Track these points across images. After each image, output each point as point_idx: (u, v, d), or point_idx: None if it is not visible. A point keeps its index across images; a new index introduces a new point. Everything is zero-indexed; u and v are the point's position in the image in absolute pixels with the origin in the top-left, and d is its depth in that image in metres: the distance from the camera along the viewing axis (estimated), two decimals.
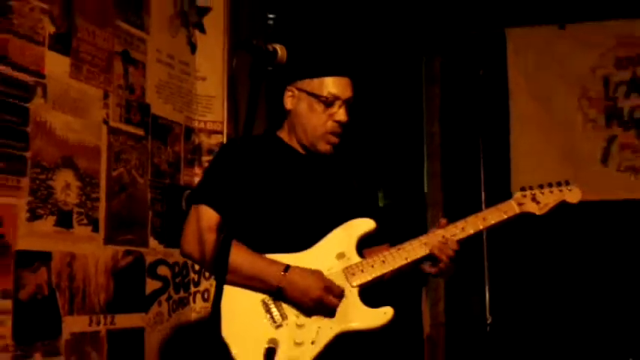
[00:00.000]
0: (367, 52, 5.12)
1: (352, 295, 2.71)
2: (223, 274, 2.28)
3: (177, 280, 4.07)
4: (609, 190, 5.21)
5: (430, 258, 2.78)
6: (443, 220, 2.86)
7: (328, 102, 2.85)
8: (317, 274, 2.69)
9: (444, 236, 2.78)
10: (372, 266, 2.75)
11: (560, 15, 5.45)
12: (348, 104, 2.88)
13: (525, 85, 5.53)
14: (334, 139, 2.88)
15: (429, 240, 2.79)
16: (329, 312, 2.67)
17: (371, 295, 2.74)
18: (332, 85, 2.86)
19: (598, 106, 5.45)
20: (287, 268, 2.69)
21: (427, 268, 2.81)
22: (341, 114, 2.85)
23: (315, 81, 2.87)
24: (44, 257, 3.25)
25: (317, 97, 2.85)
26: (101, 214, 3.58)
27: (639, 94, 5.42)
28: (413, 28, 5.57)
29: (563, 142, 5.45)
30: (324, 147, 2.88)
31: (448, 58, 5.79)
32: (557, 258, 5.41)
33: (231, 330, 2.57)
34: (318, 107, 2.86)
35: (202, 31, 4.32)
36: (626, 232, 5.32)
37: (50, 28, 3.32)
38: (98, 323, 3.53)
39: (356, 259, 2.77)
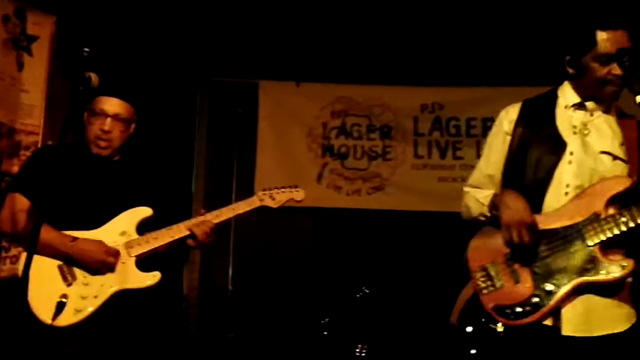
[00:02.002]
0: (157, 85, 5.04)
1: (130, 262, 2.70)
2: (34, 247, 2.21)
3: None
4: (321, 200, 5.42)
5: (192, 236, 2.80)
6: (203, 210, 2.91)
7: (97, 115, 2.81)
8: (99, 242, 2.68)
9: (203, 220, 2.81)
10: (147, 242, 2.76)
11: (297, 75, 5.62)
12: (117, 119, 2.84)
13: (269, 121, 5.65)
14: (103, 144, 2.84)
15: (191, 223, 2.81)
16: (110, 273, 2.63)
17: (147, 263, 2.73)
18: (102, 103, 2.83)
19: (317, 142, 5.65)
20: (75, 239, 2.66)
21: (190, 242, 2.83)
22: (105, 125, 2.81)
23: (94, 99, 2.84)
24: None
25: (91, 111, 2.81)
26: None
27: (345, 136, 5.67)
28: (195, 72, 5.53)
29: (293, 165, 5.60)
30: (96, 150, 2.86)
31: (218, 95, 5.77)
32: (285, 248, 5.53)
33: (34, 288, 2.48)
34: (92, 120, 2.83)
35: (30, 54, 4.08)
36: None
37: None
38: None
39: (135, 236, 2.76)
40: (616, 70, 2.38)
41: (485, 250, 2.48)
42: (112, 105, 2.83)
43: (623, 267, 2.28)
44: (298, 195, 3.01)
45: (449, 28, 5.16)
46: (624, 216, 2.30)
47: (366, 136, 5.65)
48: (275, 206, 2.96)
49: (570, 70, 2.48)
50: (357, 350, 4.87)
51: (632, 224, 2.28)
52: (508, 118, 2.57)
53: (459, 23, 5.11)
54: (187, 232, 2.79)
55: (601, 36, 2.37)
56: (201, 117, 5.73)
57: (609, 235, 2.31)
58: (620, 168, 2.41)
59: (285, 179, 5.39)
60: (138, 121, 2.95)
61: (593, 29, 2.39)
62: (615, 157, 2.42)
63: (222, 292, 5.58)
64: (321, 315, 5.03)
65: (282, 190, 3.00)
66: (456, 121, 5.60)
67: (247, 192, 5.29)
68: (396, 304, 5.14)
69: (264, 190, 2.98)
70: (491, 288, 2.41)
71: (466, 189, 2.65)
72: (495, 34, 4.97)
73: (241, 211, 2.90)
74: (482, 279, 2.43)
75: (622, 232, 2.30)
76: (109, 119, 2.82)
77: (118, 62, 4.45)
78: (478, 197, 2.54)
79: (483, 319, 2.50)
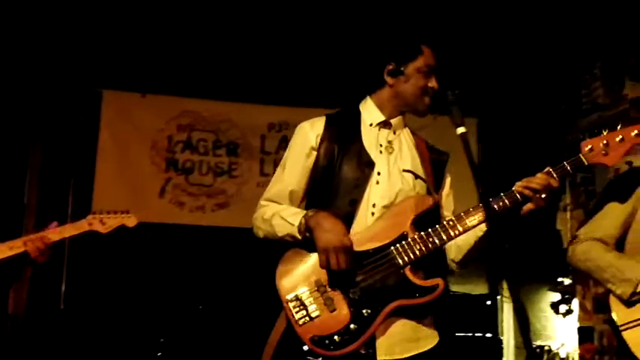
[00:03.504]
0: None
1: None
2: None
3: None
4: (162, 216, 5.42)
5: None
6: (54, 223, 2.83)
7: None
8: None
9: (39, 236, 2.72)
10: None
11: (142, 86, 5.55)
12: None
13: (111, 132, 5.52)
14: None
15: (27, 238, 2.71)
16: None
17: None
18: None
19: (161, 156, 5.60)
20: None
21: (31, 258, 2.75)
22: None
23: None
24: None
25: None
26: None
27: (190, 151, 5.67)
28: (36, 77, 5.30)
29: (134, 178, 5.50)
30: None
31: (58, 102, 5.53)
32: (124, 264, 5.37)
33: None
34: None
35: None
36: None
37: None
38: None
39: None
40: (433, 82, 2.52)
41: (295, 277, 2.35)
42: None
43: (434, 287, 2.31)
44: (130, 221, 2.98)
45: (298, 49, 5.32)
46: (431, 235, 2.35)
47: (212, 152, 5.68)
48: (104, 232, 2.92)
49: (390, 80, 2.53)
50: None
51: (438, 243, 2.36)
52: (314, 131, 2.53)
53: (309, 45, 5.28)
54: (10, 253, 2.66)
55: (425, 49, 2.52)
56: (38, 123, 5.46)
57: (418, 255, 2.33)
58: (421, 186, 2.51)
59: (126, 193, 5.36)
60: None
61: (418, 41, 2.53)
62: (417, 176, 2.51)
63: (54, 311, 5.33)
64: (156, 334, 4.95)
65: (114, 215, 2.95)
66: None
67: (85, 204, 5.14)
68: (237, 323, 5.15)
69: (94, 214, 2.92)
70: (306, 318, 2.28)
71: (264, 202, 2.54)
72: (345, 57, 5.16)
73: (67, 235, 2.83)
74: (296, 309, 2.29)
75: (429, 252, 2.34)
76: None
77: None
78: (284, 215, 2.41)
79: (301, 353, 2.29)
